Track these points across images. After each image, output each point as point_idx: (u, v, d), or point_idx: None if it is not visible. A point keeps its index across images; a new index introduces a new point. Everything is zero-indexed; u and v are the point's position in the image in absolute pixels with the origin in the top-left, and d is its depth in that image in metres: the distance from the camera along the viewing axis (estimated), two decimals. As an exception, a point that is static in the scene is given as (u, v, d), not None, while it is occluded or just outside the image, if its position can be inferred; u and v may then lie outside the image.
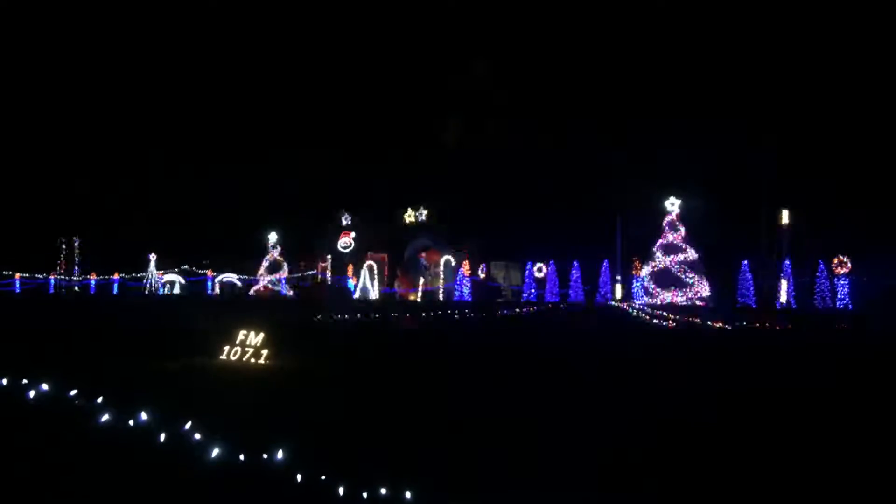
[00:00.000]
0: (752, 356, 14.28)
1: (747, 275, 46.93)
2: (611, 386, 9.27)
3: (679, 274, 46.75)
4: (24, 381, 6.29)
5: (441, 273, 57.76)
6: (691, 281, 46.11)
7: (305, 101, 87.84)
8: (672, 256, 47.52)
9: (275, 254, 59.49)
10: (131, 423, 5.27)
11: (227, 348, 10.84)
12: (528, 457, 5.36)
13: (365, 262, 59.28)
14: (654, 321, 26.29)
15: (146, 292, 57.70)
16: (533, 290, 56.89)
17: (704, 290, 45.94)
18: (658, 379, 10.07)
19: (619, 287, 53.60)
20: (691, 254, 47.24)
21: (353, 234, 63.07)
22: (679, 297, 45.59)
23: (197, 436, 4.93)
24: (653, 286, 47.16)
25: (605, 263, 53.95)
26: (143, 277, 59.40)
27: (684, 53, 68.68)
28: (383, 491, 4.05)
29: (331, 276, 59.98)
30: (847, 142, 54.57)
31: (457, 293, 54.17)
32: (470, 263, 55.41)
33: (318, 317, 24.63)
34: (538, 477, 4.88)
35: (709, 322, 24.78)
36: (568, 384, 9.37)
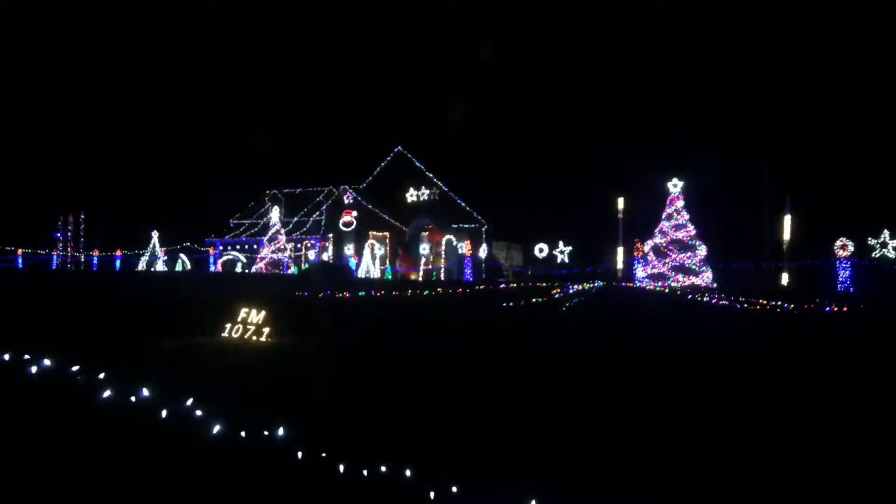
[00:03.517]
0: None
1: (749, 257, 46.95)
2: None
3: (681, 255, 46.77)
4: (27, 356, 6.32)
5: (442, 253, 57.83)
6: (692, 263, 46.15)
7: (310, 80, 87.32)
8: (674, 235, 47.51)
9: (276, 231, 59.51)
10: (133, 399, 5.29)
11: (228, 326, 10.87)
12: (529, 434, 5.39)
13: (367, 241, 59.32)
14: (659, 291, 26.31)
15: (145, 268, 57.80)
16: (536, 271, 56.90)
17: (707, 275, 45.99)
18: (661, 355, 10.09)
19: (619, 268, 53.67)
20: (693, 235, 47.27)
21: (355, 213, 63.04)
22: (681, 270, 45.59)
23: (198, 412, 4.95)
24: (653, 265, 47.21)
25: (608, 244, 53.96)
26: (144, 254, 59.47)
27: (689, 38, 68.02)
28: (383, 469, 4.06)
29: (327, 255, 60.12)
30: (850, 124, 54.22)
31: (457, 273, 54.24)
32: (471, 243, 55.44)
33: (322, 294, 24.69)
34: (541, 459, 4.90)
35: (706, 295, 24.80)
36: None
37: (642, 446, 5.22)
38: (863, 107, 54.45)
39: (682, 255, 45.91)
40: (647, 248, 47.95)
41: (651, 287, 39.72)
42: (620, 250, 53.36)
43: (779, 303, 22.19)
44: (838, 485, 4.53)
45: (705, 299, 25.91)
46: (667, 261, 46.45)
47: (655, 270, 46.51)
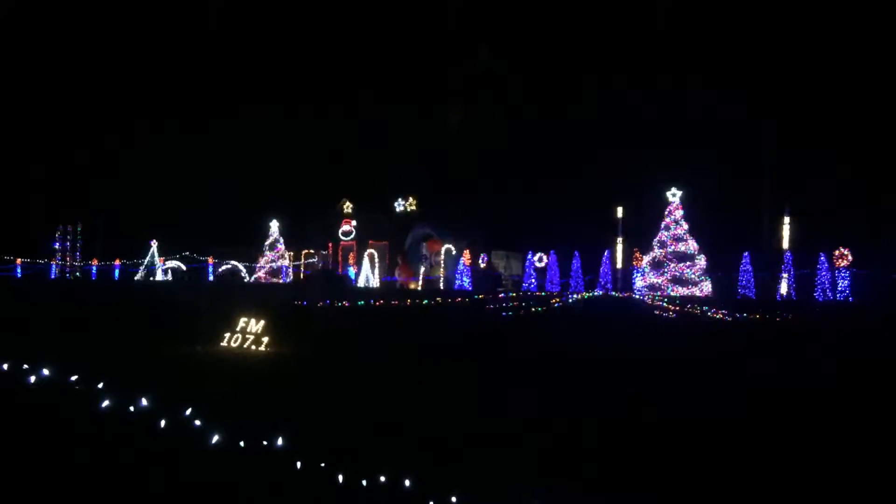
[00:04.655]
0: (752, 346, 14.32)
1: (748, 267, 46.96)
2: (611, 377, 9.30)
3: (679, 264, 46.83)
4: (25, 366, 6.32)
5: (442, 262, 57.91)
6: (691, 273, 46.20)
7: (310, 89, 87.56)
8: (673, 247, 47.63)
9: (276, 240, 59.61)
10: (132, 408, 5.29)
11: (227, 335, 10.87)
12: (526, 446, 5.39)
13: (366, 251, 59.38)
14: (655, 312, 26.32)
15: (142, 278, 57.77)
16: (533, 280, 56.95)
17: (706, 285, 46.01)
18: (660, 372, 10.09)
19: (619, 277, 53.68)
20: (692, 244, 47.37)
21: (354, 223, 63.11)
22: (679, 285, 45.66)
23: (197, 422, 4.95)
24: (653, 276, 47.30)
25: (606, 254, 53.99)
26: (142, 264, 59.47)
27: (686, 45, 68.29)
28: (382, 479, 4.07)
29: (325, 264, 60.25)
30: (849, 134, 54.35)
31: (457, 282, 54.28)
32: (471, 252, 55.54)
33: (320, 304, 24.67)
34: (537, 467, 4.90)
35: (709, 313, 24.82)
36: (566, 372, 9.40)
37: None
38: (864, 113, 54.60)
39: (680, 265, 45.93)
40: (644, 261, 47.98)
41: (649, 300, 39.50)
42: (619, 248, 53.27)
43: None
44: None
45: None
46: (664, 271, 46.45)
47: (654, 280, 46.53)
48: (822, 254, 43.62)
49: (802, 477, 4.92)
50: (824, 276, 43.41)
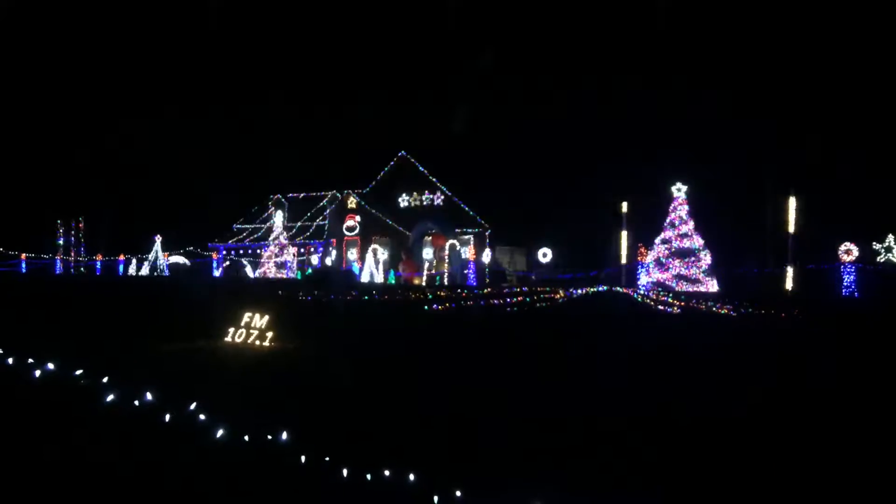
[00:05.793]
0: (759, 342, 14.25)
1: (754, 262, 46.85)
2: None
3: (684, 260, 46.74)
4: (31, 360, 6.33)
5: (446, 257, 57.90)
6: (696, 270, 46.10)
7: (314, 84, 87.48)
8: (678, 243, 47.48)
9: (280, 237, 59.63)
10: (136, 402, 5.29)
11: (231, 330, 10.85)
12: (529, 448, 5.37)
13: (370, 246, 59.39)
14: (660, 307, 26.25)
15: (148, 272, 57.85)
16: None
17: (712, 283, 45.91)
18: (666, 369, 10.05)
19: (623, 273, 53.66)
20: (697, 239, 47.25)
21: (358, 218, 63.12)
22: (683, 271, 45.57)
23: (202, 416, 4.94)
24: (657, 269, 47.23)
25: (611, 249, 53.95)
26: (146, 259, 59.56)
27: (689, 40, 68.03)
28: (387, 473, 4.05)
29: (331, 260, 60.30)
30: (855, 128, 54.09)
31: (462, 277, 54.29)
32: (475, 248, 55.51)
33: (325, 299, 24.68)
34: (541, 468, 4.88)
35: (714, 308, 24.75)
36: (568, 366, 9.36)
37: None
38: (867, 109, 54.36)
39: (686, 261, 45.83)
40: (649, 257, 47.92)
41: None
42: (624, 244, 53.22)
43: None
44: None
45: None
46: (670, 267, 46.37)
47: (660, 276, 46.46)
48: (827, 249, 43.48)
49: (804, 478, 4.89)
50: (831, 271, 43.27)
